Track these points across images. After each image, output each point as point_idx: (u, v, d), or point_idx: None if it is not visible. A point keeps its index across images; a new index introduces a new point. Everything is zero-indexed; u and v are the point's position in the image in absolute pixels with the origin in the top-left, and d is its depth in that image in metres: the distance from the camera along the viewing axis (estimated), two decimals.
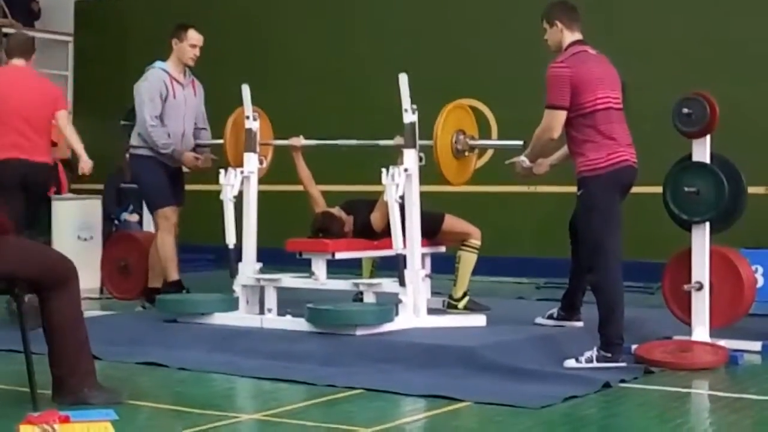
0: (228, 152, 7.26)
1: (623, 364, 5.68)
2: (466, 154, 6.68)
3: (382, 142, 6.88)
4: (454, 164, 6.62)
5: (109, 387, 4.89)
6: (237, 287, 6.90)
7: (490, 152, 10.07)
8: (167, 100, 7.35)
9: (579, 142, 5.80)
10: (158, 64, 7.45)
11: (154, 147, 7.33)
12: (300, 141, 7.25)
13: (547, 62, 5.93)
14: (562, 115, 5.75)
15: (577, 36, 5.95)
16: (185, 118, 7.46)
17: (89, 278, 8.47)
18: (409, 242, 6.41)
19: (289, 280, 6.81)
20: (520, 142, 6.31)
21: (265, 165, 7.31)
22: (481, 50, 10.81)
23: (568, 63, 5.79)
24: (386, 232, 6.59)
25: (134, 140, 7.50)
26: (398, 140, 6.57)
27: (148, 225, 7.90)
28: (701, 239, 6.25)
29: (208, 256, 10.75)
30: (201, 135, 7.64)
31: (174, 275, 7.36)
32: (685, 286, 6.28)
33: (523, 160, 6.15)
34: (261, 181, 7.21)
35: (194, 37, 7.42)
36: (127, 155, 7.80)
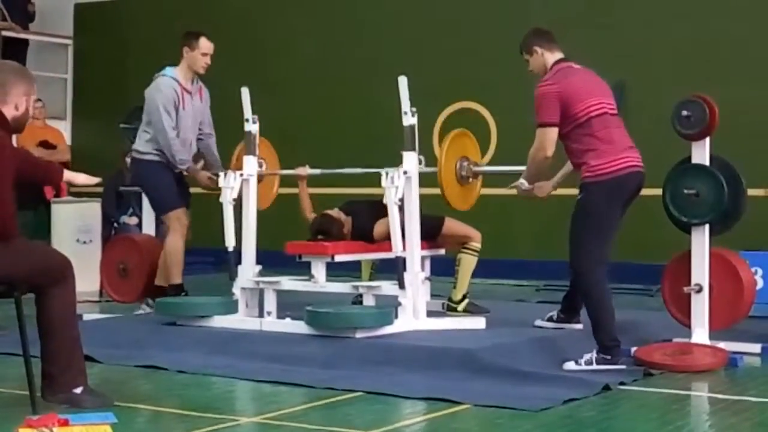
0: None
1: (623, 367, 5.67)
2: (470, 180, 6.69)
3: (385, 170, 6.79)
4: (458, 190, 6.65)
5: (100, 391, 4.89)
6: (236, 290, 6.90)
7: (490, 154, 10.08)
8: (177, 111, 7.30)
9: (580, 152, 5.80)
10: (168, 71, 7.35)
11: (172, 160, 7.27)
12: (306, 171, 7.26)
13: None
14: (553, 132, 5.78)
15: (559, 56, 6.00)
16: (191, 128, 7.43)
17: (89, 281, 8.50)
18: (408, 245, 6.41)
19: (289, 282, 6.81)
20: (525, 168, 6.29)
21: (264, 168, 7.28)
22: (482, 53, 10.81)
23: (553, 80, 5.84)
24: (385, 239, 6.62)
25: (140, 146, 7.42)
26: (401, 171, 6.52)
27: (148, 228, 7.90)
28: (701, 241, 6.25)
29: (208, 258, 10.74)
30: (209, 141, 7.59)
31: (177, 279, 7.34)
32: (685, 289, 6.27)
33: (522, 182, 6.17)
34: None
35: (206, 45, 7.33)
36: (128, 159, 7.76)
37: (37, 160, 5.31)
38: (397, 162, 6.51)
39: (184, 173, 7.42)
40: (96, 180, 5.21)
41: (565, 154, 5.99)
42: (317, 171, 7.28)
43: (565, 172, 6.34)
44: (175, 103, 7.26)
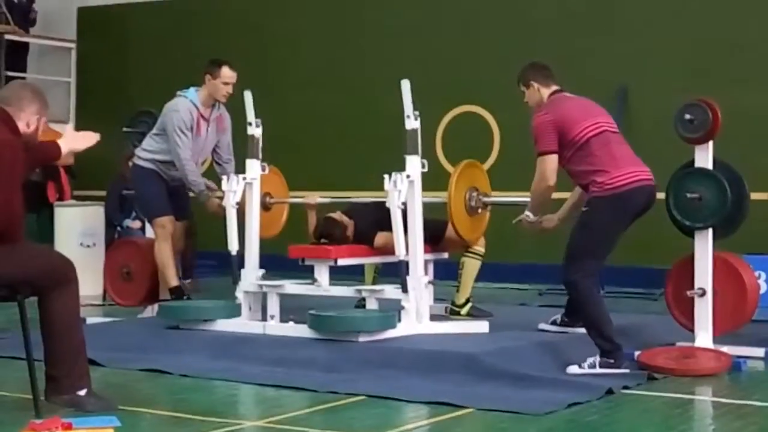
0: None
1: (626, 371, 5.67)
2: (479, 211, 6.71)
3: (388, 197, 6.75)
4: (468, 221, 6.68)
5: (103, 395, 4.89)
6: (240, 294, 6.90)
7: (493, 157, 10.07)
8: (192, 134, 7.31)
9: (585, 173, 5.83)
10: (190, 94, 7.34)
11: (185, 181, 7.32)
12: (315, 199, 7.28)
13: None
14: (553, 160, 5.82)
15: (554, 88, 6.08)
16: (201, 153, 7.45)
17: (92, 285, 8.50)
18: (411, 249, 6.41)
19: (292, 286, 6.80)
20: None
21: (268, 171, 7.28)
22: (484, 57, 10.81)
23: (547, 109, 5.93)
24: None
25: (141, 152, 7.50)
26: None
27: (151, 231, 7.90)
28: (704, 245, 6.24)
29: (211, 262, 10.74)
30: (226, 167, 7.57)
31: (173, 282, 7.37)
32: (688, 293, 6.27)
33: (527, 215, 6.17)
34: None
35: (227, 74, 7.30)
36: (131, 163, 7.78)
37: (33, 144, 5.19)
38: (401, 166, 6.51)
39: (199, 197, 7.43)
40: (96, 136, 5.02)
41: (570, 180, 6.01)
42: (326, 200, 7.31)
43: (571, 203, 6.36)
44: (191, 127, 7.27)
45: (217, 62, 7.36)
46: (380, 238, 6.87)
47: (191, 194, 7.54)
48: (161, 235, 7.39)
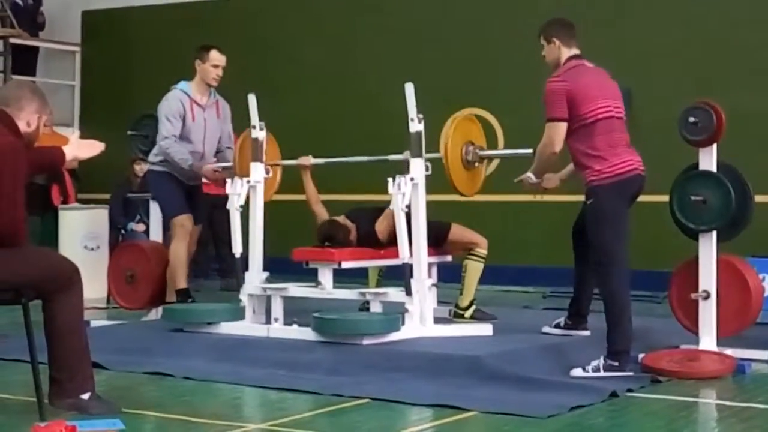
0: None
1: (630, 374, 5.67)
2: (476, 165, 6.70)
3: (391, 157, 6.85)
4: (464, 176, 6.64)
5: (106, 398, 4.89)
6: (243, 296, 6.91)
7: (497, 160, 10.08)
8: (185, 122, 7.37)
9: (582, 154, 5.82)
10: (181, 84, 7.46)
11: (173, 163, 7.37)
12: (309, 160, 7.26)
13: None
14: (562, 127, 5.79)
15: (575, 51, 6.01)
16: (205, 141, 7.48)
17: (96, 288, 8.50)
18: (415, 251, 6.41)
19: (296, 289, 6.81)
20: (530, 151, 6.30)
21: (271, 174, 7.29)
22: (486, 59, 10.82)
23: (564, 77, 5.85)
24: (391, 241, 6.60)
25: (151, 156, 7.59)
26: (407, 155, 6.55)
27: (155, 235, 7.91)
28: (708, 248, 6.24)
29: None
30: (226, 154, 7.64)
31: (182, 283, 7.40)
32: (692, 295, 6.27)
33: (529, 176, 6.19)
34: None
35: (216, 57, 7.44)
36: (136, 166, 7.83)
37: (37, 149, 5.19)
38: (404, 167, 6.51)
39: (198, 179, 7.47)
40: (101, 145, 4.98)
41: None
42: (321, 160, 7.27)
43: (572, 168, 6.34)
44: (182, 114, 7.33)
45: (206, 47, 7.51)
46: (380, 224, 6.84)
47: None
48: (180, 235, 7.41)
